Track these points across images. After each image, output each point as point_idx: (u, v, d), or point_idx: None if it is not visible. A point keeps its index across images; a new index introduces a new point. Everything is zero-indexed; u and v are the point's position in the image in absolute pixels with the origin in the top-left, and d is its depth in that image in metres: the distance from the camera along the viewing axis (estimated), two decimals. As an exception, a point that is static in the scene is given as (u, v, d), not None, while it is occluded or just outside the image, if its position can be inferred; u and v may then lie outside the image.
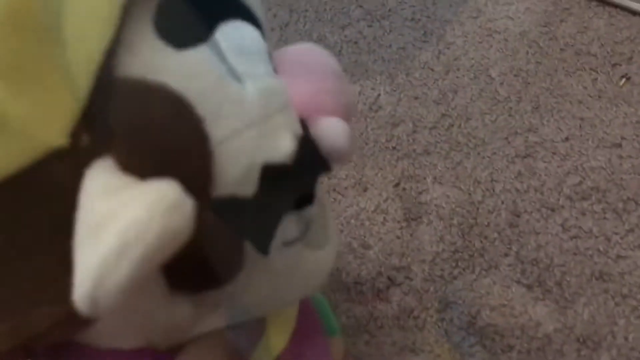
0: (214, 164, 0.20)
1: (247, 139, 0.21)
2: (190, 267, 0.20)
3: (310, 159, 0.24)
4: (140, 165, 0.18)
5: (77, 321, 0.20)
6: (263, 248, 0.22)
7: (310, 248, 0.26)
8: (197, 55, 0.20)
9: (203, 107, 0.20)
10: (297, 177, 0.23)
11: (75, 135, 0.17)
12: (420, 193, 0.54)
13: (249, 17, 0.23)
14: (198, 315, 0.23)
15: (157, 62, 0.19)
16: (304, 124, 0.24)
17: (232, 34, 0.22)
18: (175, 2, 0.20)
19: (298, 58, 0.26)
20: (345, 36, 0.66)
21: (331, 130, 0.24)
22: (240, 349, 0.26)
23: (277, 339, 0.30)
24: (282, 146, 0.22)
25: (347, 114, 0.26)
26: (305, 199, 0.23)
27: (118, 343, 0.24)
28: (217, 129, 0.20)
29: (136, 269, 0.16)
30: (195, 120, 0.19)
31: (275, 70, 0.24)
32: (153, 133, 0.18)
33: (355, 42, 0.65)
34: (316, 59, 0.26)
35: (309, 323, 0.33)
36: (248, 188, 0.21)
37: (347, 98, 0.26)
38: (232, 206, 0.20)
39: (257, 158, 0.21)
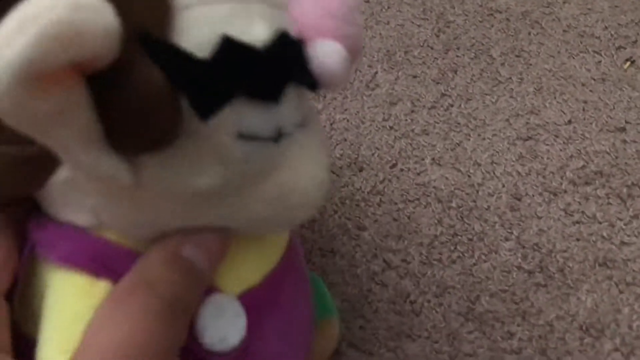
0: (172, 24, 0.20)
1: (215, 12, 0.21)
2: (121, 114, 0.19)
3: (291, 62, 0.23)
4: None
5: (30, 167, 0.21)
6: (202, 108, 0.21)
7: (289, 166, 0.25)
8: None
9: None
10: (267, 70, 0.22)
11: None
12: (418, 174, 0.52)
13: None
14: (145, 195, 0.22)
15: None
16: (301, 41, 0.24)
17: None
18: None
19: None
20: (342, 11, 0.63)
21: (325, 50, 0.24)
22: (197, 267, 0.24)
23: (250, 272, 0.28)
24: (255, 31, 0.22)
25: (351, 46, 0.25)
26: (272, 93, 0.23)
27: (71, 216, 0.23)
28: None
29: (30, 48, 0.15)
30: None
31: None
32: None
33: (352, 18, 0.63)
34: None
35: (295, 273, 0.31)
36: (203, 51, 0.20)
37: (354, 29, 0.25)
38: (177, 56, 0.20)
39: (222, 31, 0.21)
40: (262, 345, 0.28)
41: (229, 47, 0.21)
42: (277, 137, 0.24)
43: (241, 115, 0.22)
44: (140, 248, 0.24)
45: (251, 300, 0.27)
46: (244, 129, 0.22)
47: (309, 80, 0.24)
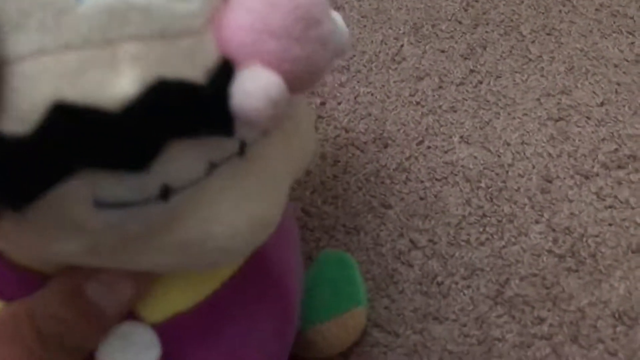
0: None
1: (60, 63, 0.16)
2: None
3: (173, 117, 0.18)
4: None
5: None
6: (10, 198, 0.17)
7: (196, 215, 0.21)
8: None
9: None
10: (124, 136, 0.17)
11: None
12: (445, 152, 0.50)
13: None
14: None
15: None
16: (227, 66, 0.19)
17: None
18: None
19: None
20: (367, -19, 0.61)
21: (249, 83, 0.18)
22: (98, 307, 0.22)
23: (177, 298, 0.25)
24: (113, 86, 0.17)
25: (296, 73, 0.19)
26: (135, 162, 0.18)
27: None
28: (17, 42, 0.16)
29: None
30: None
31: None
32: None
33: (378, -11, 0.60)
34: None
35: (252, 293, 0.28)
36: (25, 124, 0.16)
37: (308, 48, 0.19)
38: None
39: (64, 91, 0.16)
40: None
41: (61, 115, 0.16)
42: (165, 195, 0.19)
43: (95, 185, 0.18)
44: (50, 272, 0.22)
45: (177, 328, 0.25)
46: (103, 197, 0.18)
47: (221, 129, 0.19)
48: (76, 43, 0.16)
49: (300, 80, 0.19)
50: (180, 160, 0.19)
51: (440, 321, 0.42)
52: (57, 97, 0.16)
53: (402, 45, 0.57)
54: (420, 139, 0.51)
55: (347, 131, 0.52)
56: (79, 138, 0.17)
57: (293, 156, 0.25)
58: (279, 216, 0.24)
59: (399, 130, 0.51)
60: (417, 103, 0.53)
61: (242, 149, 0.21)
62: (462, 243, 0.46)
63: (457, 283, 0.44)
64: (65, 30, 0.16)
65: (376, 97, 0.53)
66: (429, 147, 0.50)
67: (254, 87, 0.18)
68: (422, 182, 0.49)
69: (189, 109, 0.18)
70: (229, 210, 0.22)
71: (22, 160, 0.16)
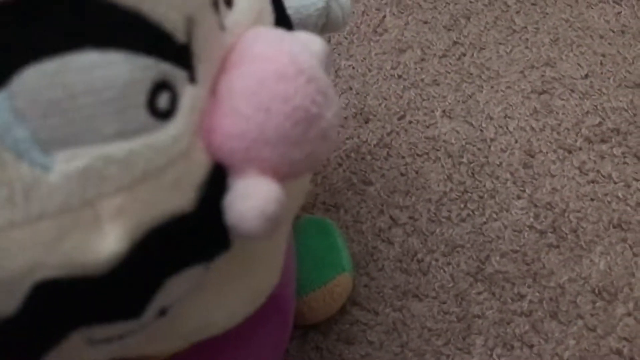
0: None
1: (34, 234, 0.15)
2: None
3: (165, 261, 0.17)
4: None
5: None
6: None
7: (198, 309, 0.20)
8: None
9: None
10: (115, 295, 0.16)
11: None
12: (427, 127, 0.49)
13: (118, 37, 0.15)
14: None
15: None
16: (219, 174, 0.17)
17: (45, 82, 0.15)
18: None
19: (254, 75, 0.17)
20: (349, -50, 0.59)
21: (242, 203, 0.16)
22: None
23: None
24: (98, 247, 0.15)
25: (295, 173, 0.18)
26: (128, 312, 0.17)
27: None
28: None
29: None
30: None
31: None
32: None
33: (359, -43, 0.59)
34: (274, 86, 0.17)
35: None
36: (9, 304, 0.15)
37: (305, 152, 0.17)
38: None
39: (44, 260, 0.15)
40: None
41: (45, 292, 0.15)
42: (163, 313, 0.18)
43: (88, 331, 0.17)
44: None
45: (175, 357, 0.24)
46: (97, 338, 0.17)
47: (209, 252, 0.18)
48: (51, 211, 0.15)
49: (299, 175, 0.18)
50: (178, 285, 0.18)
51: (420, 299, 0.42)
52: (36, 267, 0.15)
53: (384, 17, 0.55)
54: (402, 113, 0.50)
55: (327, 106, 0.50)
56: (68, 309, 0.16)
57: (291, 207, 0.23)
58: (278, 278, 0.23)
59: (380, 104, 0.50)
60: (399, 76, 0.52)
61: None
62: (443, 220, 0.45)
63: (437, 260, 0.43)
64: (37, 202, 0.15)
65: (357, 71, 0.52)
66: (410, 122, 0.50)
67: (249, 208, 0.16)
68: (403, 157, 0.48)
69: (183, 243, 0.17)
70: (229, 293, 0.20)
71: (8, 340, 0.15)
